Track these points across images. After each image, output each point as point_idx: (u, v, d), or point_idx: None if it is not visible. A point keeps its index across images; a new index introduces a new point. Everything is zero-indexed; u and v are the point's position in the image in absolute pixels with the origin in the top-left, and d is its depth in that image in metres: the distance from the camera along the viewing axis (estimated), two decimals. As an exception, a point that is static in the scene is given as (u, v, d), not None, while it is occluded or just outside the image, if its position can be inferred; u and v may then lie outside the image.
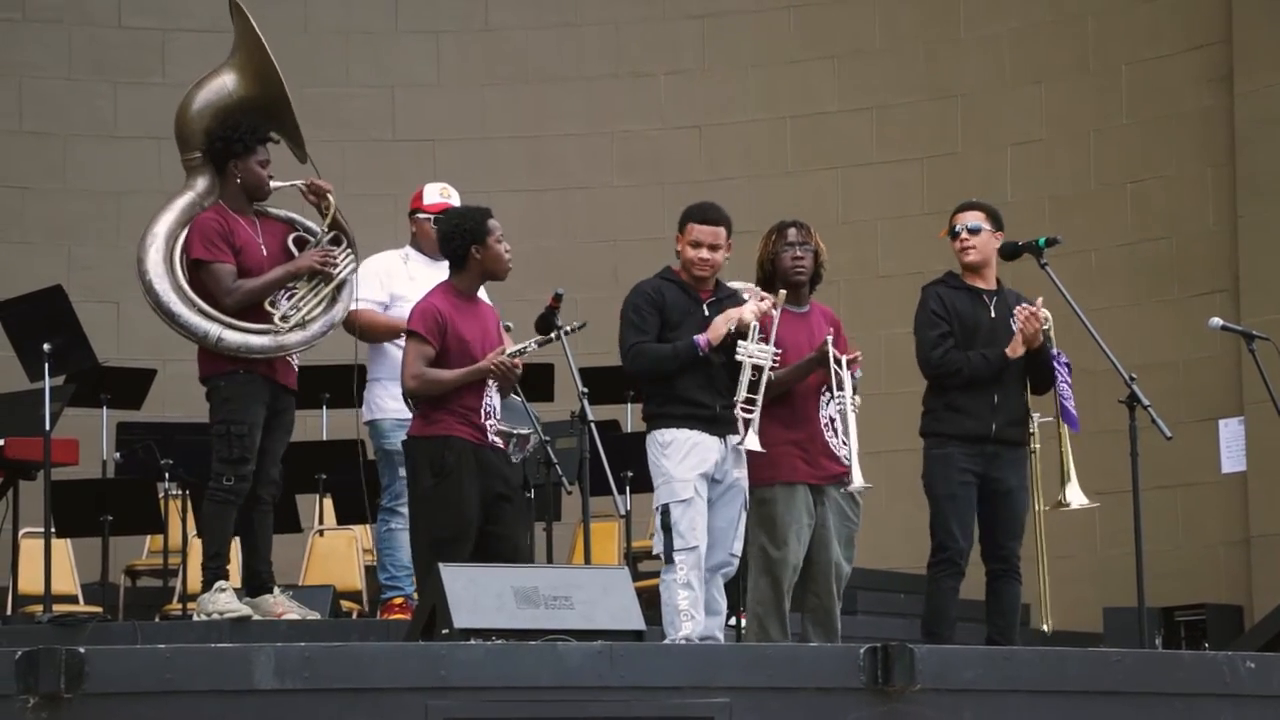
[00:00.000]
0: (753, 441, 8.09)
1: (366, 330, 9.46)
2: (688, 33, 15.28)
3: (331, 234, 9.04)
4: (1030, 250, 8.81)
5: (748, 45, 15.19)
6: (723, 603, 8.21)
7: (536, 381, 10.67)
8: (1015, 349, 8.61)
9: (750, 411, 8.10)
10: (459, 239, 8.41)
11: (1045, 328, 8.69)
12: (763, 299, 8.26)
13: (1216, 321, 9.60)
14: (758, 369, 8.14)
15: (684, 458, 8.10)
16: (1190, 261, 13.89)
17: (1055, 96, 14.46)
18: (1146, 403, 8.65)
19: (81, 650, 6.50)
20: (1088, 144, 14.35)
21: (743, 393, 8.11)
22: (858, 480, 8.24)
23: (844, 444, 8.30)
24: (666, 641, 7.92)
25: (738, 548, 8.19)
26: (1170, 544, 13.39)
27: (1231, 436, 13.25)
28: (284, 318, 8.86)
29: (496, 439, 8.31)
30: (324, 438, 12.28)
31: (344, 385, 11.63)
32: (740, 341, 8.14)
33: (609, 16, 15.31)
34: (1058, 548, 12.91)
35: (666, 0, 15.33)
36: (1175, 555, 13.39)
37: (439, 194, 9.66)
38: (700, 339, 8.13)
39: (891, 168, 14.75)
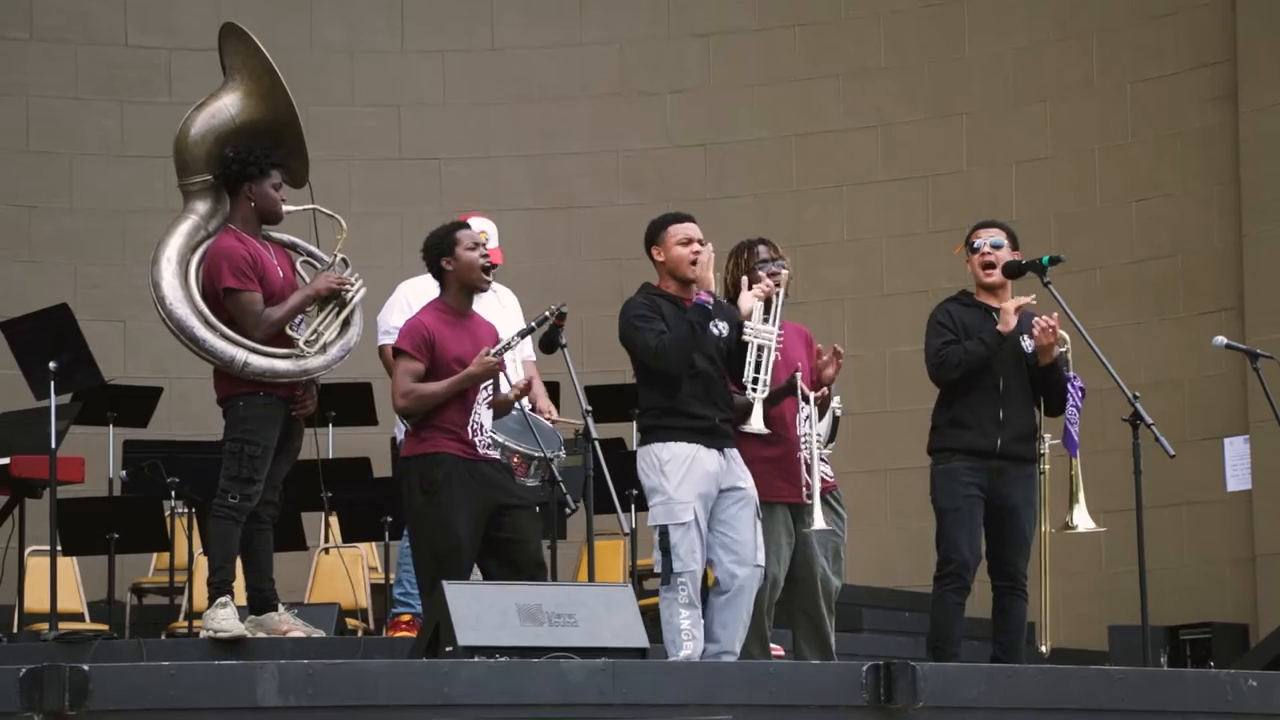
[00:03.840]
0: (758, 423, 8.09)
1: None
2: (692, 51, 15.30)
3: (340, 257, 9.06)
4: (1033, 269, 8.81)
5: (752, 63, 15.21)
6: (747, 620, 8.16)
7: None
8: (1006, 324, 8.57)
9: (759, 392, 8.10)
10: (431, 254, 8.46)
11: (1063, 349, 8.68)
12: (762, 280, 8.23)
13: (1221, 340, 9.60)
14: (762, 349, 8.14)
15: (683, 478, 8.06)
16: (1195, 280, 13.89)
17: (1060, 115, 14.48)
18: (1150, 421, 8.65)
19: (86, 668, 6.51)
20: (1093, 162, 14.36)
21: (750, 372, 8.12)
22: (818, 522, 8.24)
23: (807, 481, 8.28)
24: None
25: (761, 558, 8.16)
26: (1176, 563, 13.38)
27: (1237, 455, 13.24)
28: (307, 342, 8.88)
29: (490, 452, 8.32)
30: (330, 456, 12.29)
31: (351, 404, 11.70)
32: (746, 323, 8.15)
33: (614, 36, 15.34)
34: (1063, 565, 12.91)
35: (671, 19, 15.36)
36: (1181, 574, 13.38)
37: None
38: (701, 295, 8.08)
39: (896, 186, 14.76)
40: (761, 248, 8.54)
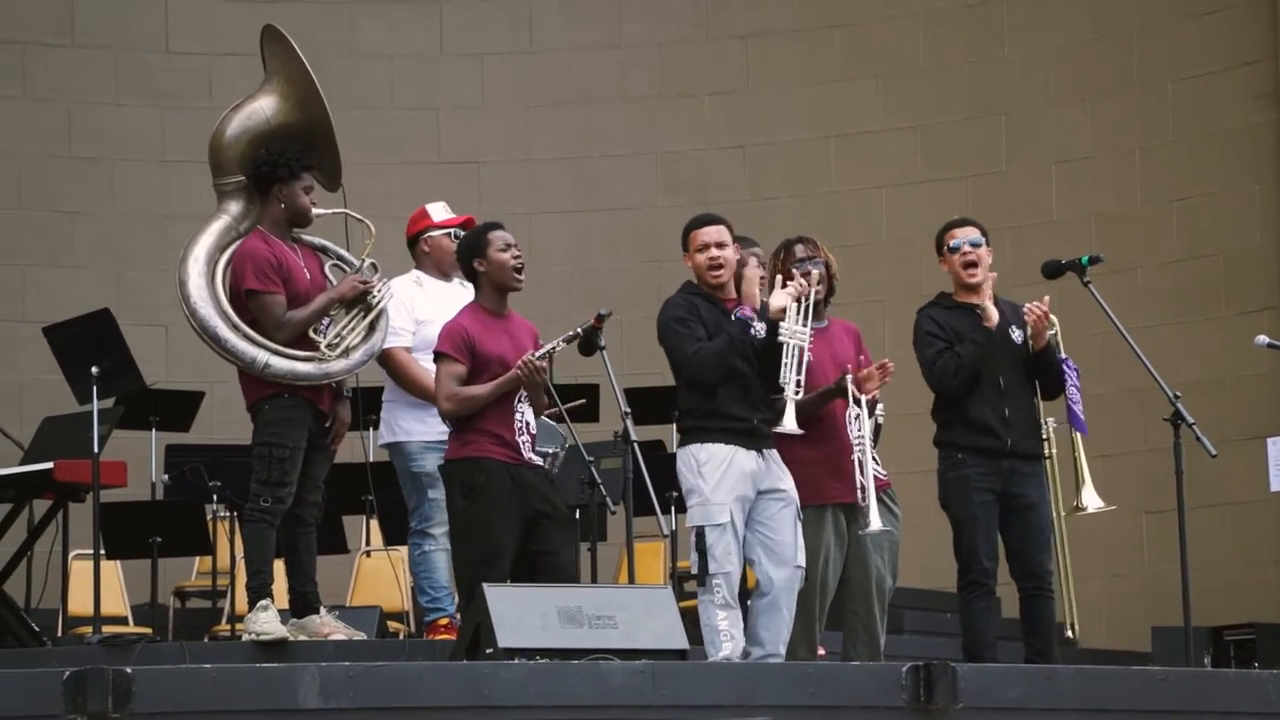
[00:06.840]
0: (790, 424, 8.08)
1: (398, 375, 9.38)
2: (731, 53, 15.30)
3: (369, 262, 9.09)
4: (1073, 269, 8.81)
5: (792, 65, 15.19)
6: (790, 621, 8.13)
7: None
8: (989, 318, 8.53)
9: (795, 392, 8.10)
10: (464, 256, 8.51)
11: (1052, 332, 8.66)
12: (790, 281, 8.23)
13: (1263, 339, 9.58)
14: (799, 349, 8.14)
15: (721, 479, 8.07)
16: (1237, 279, 13.84)
17: (1100, 114, 14.44)
18: (1191, 421, 8.62)
19: (129, 670, 6.56)
20: (1133, 162, 14.32)
21: (787, 373, 8.11)
22: (875, 523, 8.22)
23: (861, 483, 8.25)
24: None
25: (802, 558, 8.15)
26: (1219, 563, 13.32)
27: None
28: (330, 345, 8.90)
29: (534, 456, 8.32)
30: (370, 459, 12.31)
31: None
32: (781, 323, 8.15)
33: (652, 37, 15.35)
34: (1106, 566, 12.93)
35: (710, 20, 15.36)
36: (1224, 574, 13.31)
37: (445, 210, 9.60)
38: (744, 310, 8.12)
39: (936, 186, 14.73)
40: (799, 246, 8.54)
